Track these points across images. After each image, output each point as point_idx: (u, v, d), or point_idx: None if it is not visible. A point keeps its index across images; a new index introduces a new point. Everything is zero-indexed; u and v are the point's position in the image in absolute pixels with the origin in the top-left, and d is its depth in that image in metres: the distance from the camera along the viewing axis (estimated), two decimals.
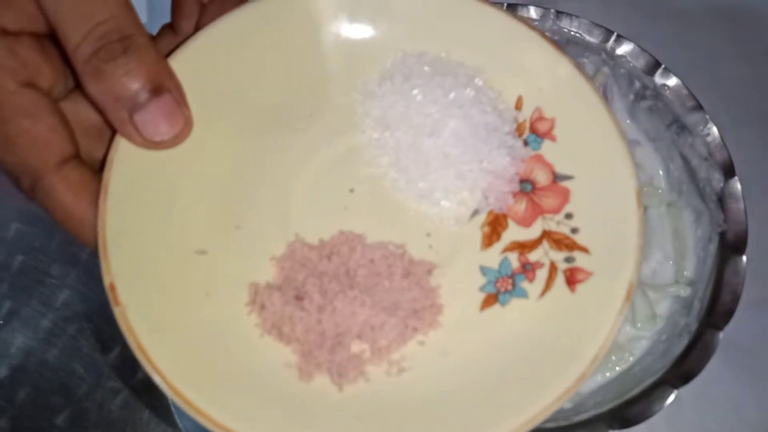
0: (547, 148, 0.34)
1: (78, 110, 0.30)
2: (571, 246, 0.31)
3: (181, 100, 0.29)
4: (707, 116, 0.45)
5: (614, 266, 0.29)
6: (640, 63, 0.47)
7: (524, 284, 0.31)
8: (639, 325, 0.44)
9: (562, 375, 0.27)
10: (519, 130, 0.34)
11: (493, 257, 0.32)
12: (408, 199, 0.33)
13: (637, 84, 0.47)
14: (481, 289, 0.31)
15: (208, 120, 0.31)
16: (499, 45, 0.34)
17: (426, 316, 0.30)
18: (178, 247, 0.30)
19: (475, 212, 0.33)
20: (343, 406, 0.28)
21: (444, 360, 0.29)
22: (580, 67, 0.33)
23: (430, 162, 0.33)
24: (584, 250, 0.31)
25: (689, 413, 0.44)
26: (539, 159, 0.34)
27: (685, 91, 0.46)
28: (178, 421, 0.43)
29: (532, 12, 0.49)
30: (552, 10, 0.48)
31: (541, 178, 0.33)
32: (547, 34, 0.47)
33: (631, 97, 0.48)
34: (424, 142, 0.33)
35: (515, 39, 0.34)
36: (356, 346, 0.30)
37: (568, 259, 0.31)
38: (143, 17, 0.37)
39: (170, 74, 0.29)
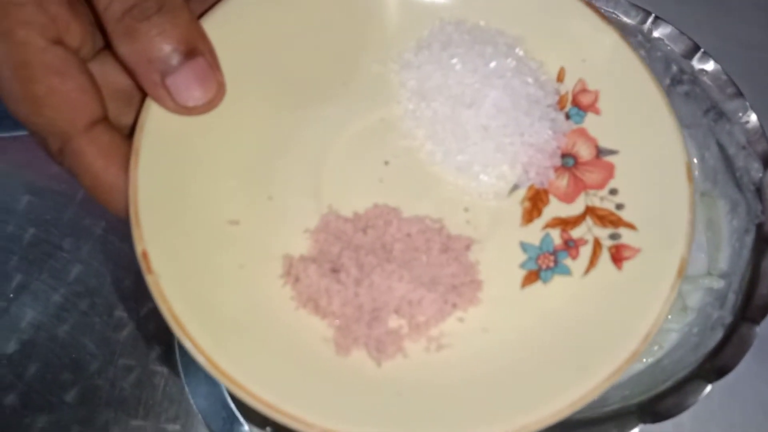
0: (590, 122, 0.33)
1: (106, 72, 0.29)
2: (617, 222, 0.30)
3: (214, 65, 0.28)
4: (747, 103, 0.44)
5: (664, 242, 0.28)
6: (678, 46, 0.45)
7: (567, 261, 0.30)
8: (669, 317, 0.42)
9: (611, 353, 0.26)
10: (561, 102, 0.33)
11: (534, 233, 0.31)
12: (445, 173, 0.32)
13: (674, 68, 0.46)
14: (522, 265, 0.30)
15: (240, 87, 0.30)
16: (541, 14, 0.33)
17: (465, 292, 0.29)
18: (210, 217, 0.29)
19: (515, 187, 0.32)
20: (381, 381, 0.27)
21: (485, 337, 0.28)
22: (625, 37, 0.32)
23: (468, 134, 0.32)
24: (631, 226, 0.30)
25: (716, 410, 0.43)
26: (582, 133, 0.33)
27: (724, 77, 0.45)
28: (192, 400, 0.42)
29: None
30: None
31: (584, 152, 0.32)
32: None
33: (667, 81, 0.46)
34: (463, 114, 0.32)
35: (558, 7, 0.33)
36: (394, 321, 0.29)
37: (614, 236, 0.30)
38: None
39: (204, 37, 0.28)
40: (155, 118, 0.28)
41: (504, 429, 0.25)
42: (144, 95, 0.29)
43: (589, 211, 0.31)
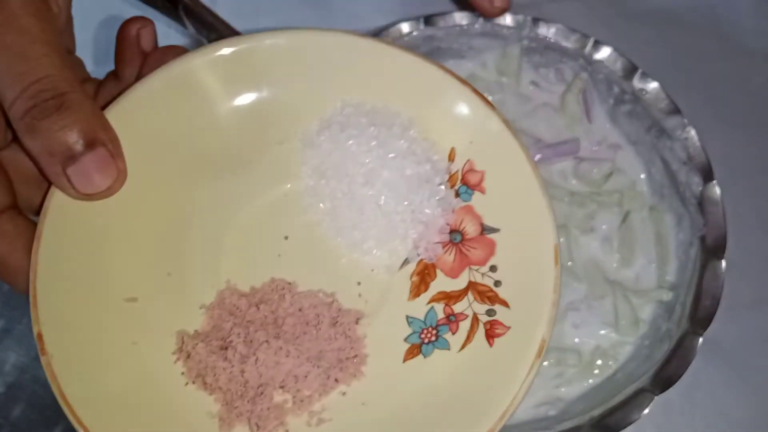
0: (477, 200, 0.35)
1: (17, 160, 0.31)
2: (493, 299, 0.32)
3: (115, 153, 0.30)
4: (685, 120, 0.45)
5: (529, 322, 0.30)
6: (618, 68, 0.47)
7: (447, 335, 0.32)
8: (623, 330, 0.44)
9: (473, 429, 0.28)
10: (451, 180, 0.35)
11: (419, 307, 0.33)
12: (341, 248, 0.34)
13: (616, 88, 0.47)
14: (406, 339, 0.32)
15: (145, 168, 0.32)
16: (434, 98, 0.35)
17: (350, 367, 0.31)
18: (108, 295, 0.31)
19: (406, 261, 0.34)
20: None
21: (364, 410, 0.30)
22: (508, 122, 0.34)
23: (363, 211, 0.34)
24: (504, 303, 0.32)
25: (677, 417, 0.44)
26: (469, 210, 0.35)
27: (662, 95, 0.46)
28: None
29: (509, 19, 0.48)
30: (528, 18, 0.48)
31: (470, 229, 0.34)
32: (526, 41, 0.47)
33: (611, 101, 0.48)
34: (358, 192, 0.34)
35: (448, 93, 0.35)
36: (279, 396, 0.30)
37: (490, 312, 0.32)
38: (89, 65, 0.37)
39: (105, 127, 0.30)
40: (58, 203, 0.30)
41: None
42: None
43: (471, 286, 0.33)
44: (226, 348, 0.30)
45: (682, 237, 0.45)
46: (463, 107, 0.35)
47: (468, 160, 0.35)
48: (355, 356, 0.31)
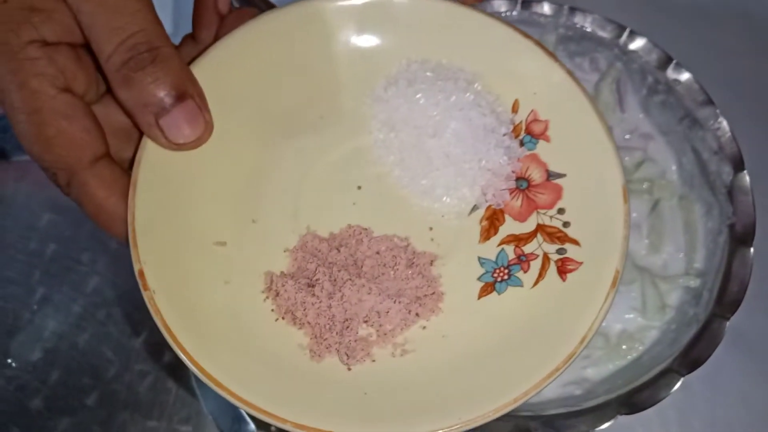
0: (541, 148, 0.36)
1: (108, 113, 0.33)
2: (563, 239, 0.34)
3: (202, 106, 0.32)
4: (717, 111, 0.46)
5: (601, 257, 0.32)
6: (653, 58, 0.48)
7: (519, 274, 0.33)
8: (649, 315, 0.45)
9: (552, 355, 0.29)
10: (515, 131, 0.37)
11: (490, 249, 0.34)
12: (411, 196, 0.36)
13: (650, 79, 0.48)
14: (479, 278, 0.34)
15: (228, 123, 0.34)
16: (497, 52, 0.37)
17: (428, 303, 0.33)
18: (199, 239, 0.32)
19: (474, 208, 0.36)
20: (351, 382, 0.30)
21: (444, 342, 0.32)
22: (571, 72, 0.36)
23: (432, 161, 0.36)
24: (575, 242, 0.33)
25: (698, 401, 0.45)
26: (534, 158, 0.36)
27: (696, 86, 0.47)
28: (202, 402, 0.46)
29: (546, 8, 0.50)
30: (566, 7, 0.49)
31: (536, 176, 0.36)
32: (562, 29, 0.48)
33: (644, 91, 0.49)
34: (427, 143, 0.36)
35: (511, 47, 0.37)
36: (363, 330, 0.32)
37: (560, 251, 0.33)
38: (168, 28, 0.39)
39: (193, 82, 0.32)
40: (151, 153, 0.32)
41: (455, 422, 0.28)
42: (141, 133, 0.33)
43: (540, 228, 0.35)
44: (313, 285, 0.32)
45: (711, 225, 0.46)
46: (526, 60, 0.36)
47: (531, 111, 0.37)
48: (433, 293, 0.33)
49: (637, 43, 0.49)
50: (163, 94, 0.30)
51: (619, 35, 0.49)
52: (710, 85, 0.47)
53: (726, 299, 0.42)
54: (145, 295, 0.29)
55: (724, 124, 0.46)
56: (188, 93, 0.31)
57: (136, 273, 0.30)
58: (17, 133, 0.30)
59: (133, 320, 0.49)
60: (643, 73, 0.49)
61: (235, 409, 0.45)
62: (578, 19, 0.49)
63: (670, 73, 0.48)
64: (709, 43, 0.56)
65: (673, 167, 0.49)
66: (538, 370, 0.29)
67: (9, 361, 0.48)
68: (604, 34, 0.49)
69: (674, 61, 0.48)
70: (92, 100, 0.33)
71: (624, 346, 0.44)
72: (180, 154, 0.33)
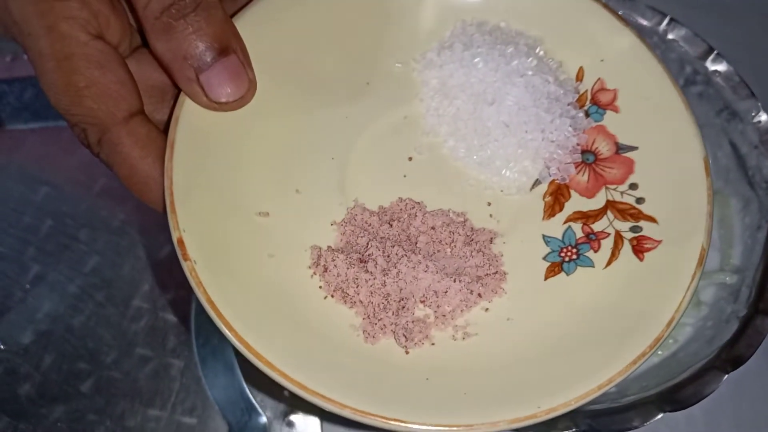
0: (609, 119, 0.33)
1: (141, 69, 0.30)
2: (637, 216, 0.31)
3: (246, 62, 0.29)
4: (759, 104, 0.45)
5: (685, 233, 0.29)
6: (693, 48, 0.46)
7: (589, 254, 0.31)
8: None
9: (638, 340, 0.27)
10: (580, 101, 0.34)
11: (555, 227, 0.32)
12: (468, 168, 0.33)
13: (688, 69, 0.47)
14: (545, 258, 0.31)
15: (269, 85, 0.31)
16: (560, 16, 0.34)
17: (490, 283, 0.30)
18: (241, 208, 0.29)
19: (537, 182, 0.33)
20: (410, 367, 0.27)
21: (510, 326, 0.29)
22: (642, 37, 0.33)
23: (490, 131, 0.33)
24: (651, 219, 0.30)
25: (726, 404, 0.44)
26: (601, 130, 0.33)
27: (737, 78, 0.45)
28: (208, 392, 0.43)
29: None
30: None
31: (604, 149, 0.33)
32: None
33: (681, 82, 0.47)
34: (485, 111, 0.33)
35: (576, 10, 0.34)
36: (420, 311, 0.29)
37: (635, 229, 0.31)
38: None
39: (237, 35, 0.29)
40: (189, 112, 0.29)
41: (534, 410, 0.25)
42: (177, 92, 0.30)
43: (610, 205, 0.32)
44: (366, 261, 0.29)
45: (748, 221, 0.45)
46: (592, 24, 0.34)
47: (598, 79, 0.34)
48: (495, 273, 0.30)
49: (678, 32, 0.47)
50: (204, 47, 0.27)
51: (660, 23, 0.47)
52: (749, 80, 0.46)
53: (767, 296, 0.40)
54: (185, 265, 0.26)
55: (765, 117, 0.44)
56: (231, 47, 0.28)
57: (175, 241, 0.27)
58: (43, 84, 0.27)
59: (135, 302, 0.45)
60: (681, 63, 0.47)
61: (245, 398, 0.42)
62: (618, 5, 0.47)
63: (710, 64, 0.46)
64: (747, 40, 0.55)
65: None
66: (621, 356, 0.26)
67: None
68: (644, 21, 0.47)
69: (715, 52, 0.46)
70: (124, 53, 0.30)
71: None
72: (220, 115, 0.30)
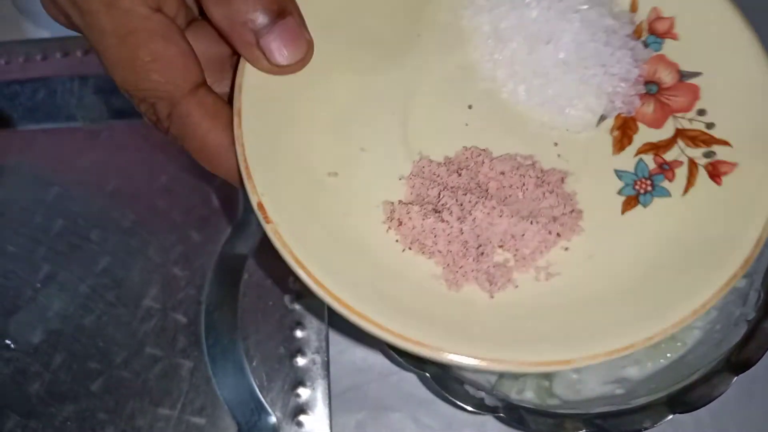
0: (668, 48, 0.33)
1: (198, 42, 0.30)
2: (709, 141, 0.30)
3: (302, 24, 0.29)
4: None
5: (759, 152, 0.28)
6: None
7: (664, 183, 0.30)
8: None
9: (725, 262, 0.26)
10: (636, 32, 0.33)
11: (627, 160, 0.31)
12: (530, 110, 0.33)
13: None
14: (620, 192, 0.30)
15: (324, 45, 0.31)
16: None
17: (567, 222, 0.29)
18: (311, 169, 0.29)
19: (602, 117, 0.32)
20: (496, 310, 0.27)
21: (592, 263, 0.29)
22: None
23: (549, 70, 0.32)
24: (724, 143, 0.30)
25: (734, 408, 0.44)
26: (662, 59, 0.33)
27: None
28: (218, 392, 0.42)
29: None
30: None
31: (667, 78, 0.32)
32: None
33: None
34: (542, 51, 0.33)
35: None
36: (499, 256, 0.29)
37: (708, 154, 0.30)
38: None
39: None
40: (251, 79, 0.29)
41: (629, 341, 0.25)
42: (236, 62, 0.30)
43: (680, 133, 0.31)
44: (440, 211, 0.29)
45: None
46: None
47: (653, 8, 0.33)
48: (571, 211, 0.30)
49: None
50: (262, 10, 0.27)
51: None
52: None
53: None
54: (268, 228, 0.26)
55: None
56: (288, 9, 0.28)
57: (255, 206, 0.27)
58: (107, 62, 0.27)
59: (145, 303, 0.45)
60: None
61: (254, 398, 0.42)
62: None
63: None
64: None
65: None
66: (711, 280, 0.26)
67: (8, 342, 0.44)
68: None
69: None
70: (181, 26, 0.29)
71: (663, 345, 0.42)
72: (280, 79, 0.30)
